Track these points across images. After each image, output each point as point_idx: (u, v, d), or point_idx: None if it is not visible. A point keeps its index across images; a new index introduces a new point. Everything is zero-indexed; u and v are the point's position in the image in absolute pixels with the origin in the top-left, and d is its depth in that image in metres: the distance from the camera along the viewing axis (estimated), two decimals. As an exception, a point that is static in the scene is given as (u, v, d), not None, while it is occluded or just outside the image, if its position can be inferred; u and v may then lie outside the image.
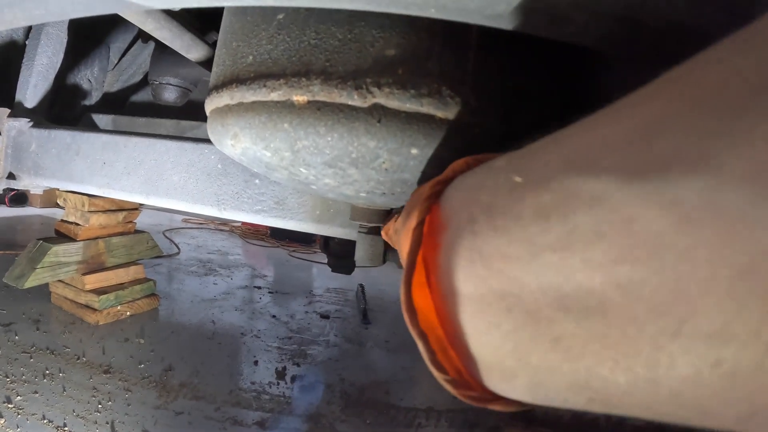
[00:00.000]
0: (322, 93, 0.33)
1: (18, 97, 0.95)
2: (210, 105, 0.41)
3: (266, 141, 0.36)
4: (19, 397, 0.88)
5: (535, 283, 0.17)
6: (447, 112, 0.33)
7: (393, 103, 0.32)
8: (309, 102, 0.33)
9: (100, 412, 0.88)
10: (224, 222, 3.10)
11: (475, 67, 0.33)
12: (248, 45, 0.36)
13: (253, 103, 0.35)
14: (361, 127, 0.33)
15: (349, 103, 0.33)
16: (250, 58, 0.36)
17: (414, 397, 1.11)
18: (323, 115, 0.33)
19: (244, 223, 2.98)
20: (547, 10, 0.28)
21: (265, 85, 0.34)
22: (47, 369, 0.99)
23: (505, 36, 0.34)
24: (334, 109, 0.33)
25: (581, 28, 0.30)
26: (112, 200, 1.20)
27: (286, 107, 0.34)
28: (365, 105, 0.32)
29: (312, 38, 0.33)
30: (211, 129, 0.42)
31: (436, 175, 0.37)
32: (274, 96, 0.34)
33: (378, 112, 0.33)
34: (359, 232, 0.49)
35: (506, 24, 0.30)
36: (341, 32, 0.33)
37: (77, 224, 1.18)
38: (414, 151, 0.34)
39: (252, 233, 2.95)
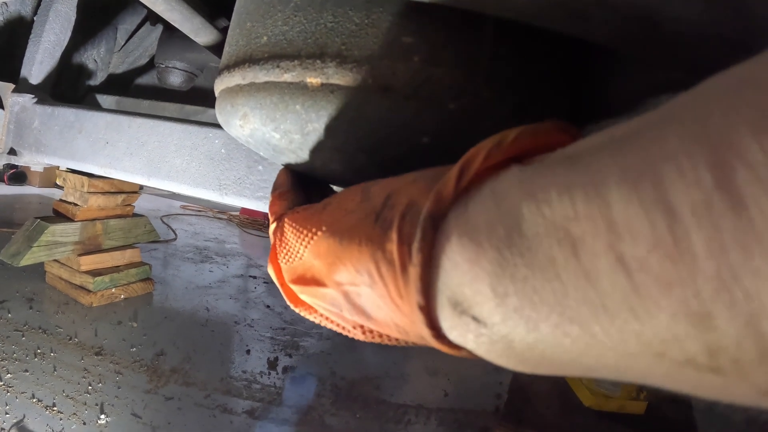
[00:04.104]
0: (336, 76, 0.32)
1: (23, 73, 0.95)
2: (220, 85, 0.41)
3: (276, 122, 0.36)
4: (9, 375, 0.87)
5: None
6: (460, 102, 0.33)
7: (406, 89, 0.32)
8: (322, 84, 0.33)
9: (90, 394, 0.87)
10: (222, 210, 3.09)
11: (490, 59, 0.33)
12: (263, 25, 0.36)
13: (266, 83, 0.35)
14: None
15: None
16: (265, 38, 0.36)
17: (404, 393, 1.11)
18: (336, 98, 0.33)
19: (242, 212, 2.97)
20: (566, 3, 0.28)
21: (278, 66, 0.34)
22: (39, 348, 0.99)
23: (521, 30, 0.34)
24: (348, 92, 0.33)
25: (598, 24, 0.30)
26: (112, 182, 1.19)
27: (299, 89, 0.34)
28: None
29: (329, 21, 0.33)
30: (220, 109, 0.42)
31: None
32: (288, 77, 0.34)
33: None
34: None
35: (523, 16, 0.30)
36: (358, 17, 0.33)
37: (76, 204, 1.17)
38: (425, 139, 0.33)
39: (250, 223, 2.93)
